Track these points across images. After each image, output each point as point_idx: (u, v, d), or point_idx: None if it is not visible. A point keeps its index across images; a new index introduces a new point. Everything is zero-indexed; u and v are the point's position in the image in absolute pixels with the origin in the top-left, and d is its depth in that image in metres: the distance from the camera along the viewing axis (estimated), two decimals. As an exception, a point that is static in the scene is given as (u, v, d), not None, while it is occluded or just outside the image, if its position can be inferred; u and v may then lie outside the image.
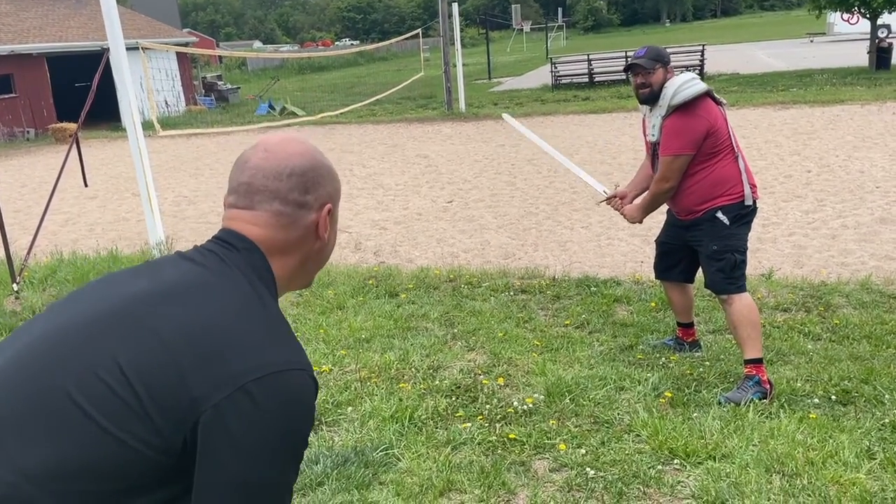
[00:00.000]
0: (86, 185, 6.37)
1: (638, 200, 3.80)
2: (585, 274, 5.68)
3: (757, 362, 3.39)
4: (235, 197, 1.14)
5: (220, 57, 49.74)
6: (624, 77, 21.30)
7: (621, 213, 3.87)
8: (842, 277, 5.31)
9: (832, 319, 4.40)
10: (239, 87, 28.33)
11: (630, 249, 6.54)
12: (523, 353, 4.00)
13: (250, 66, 46.07)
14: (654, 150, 3.63)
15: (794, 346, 4.01)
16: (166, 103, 23.57)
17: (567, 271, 5.84)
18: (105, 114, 19.11)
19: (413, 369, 3.78)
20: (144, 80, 7.38)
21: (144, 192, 6.89)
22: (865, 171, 8.68)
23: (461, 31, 24.47)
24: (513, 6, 45.67)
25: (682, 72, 3.62)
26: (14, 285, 5.55)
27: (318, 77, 41.23)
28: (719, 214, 3.43)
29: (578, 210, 8.09)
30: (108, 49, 6.83)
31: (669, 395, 3.28)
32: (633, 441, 2.92)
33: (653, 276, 5.58)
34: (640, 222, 3.84)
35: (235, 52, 27.69)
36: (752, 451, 2.77)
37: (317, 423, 3.20)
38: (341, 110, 14.98)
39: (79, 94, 15.70)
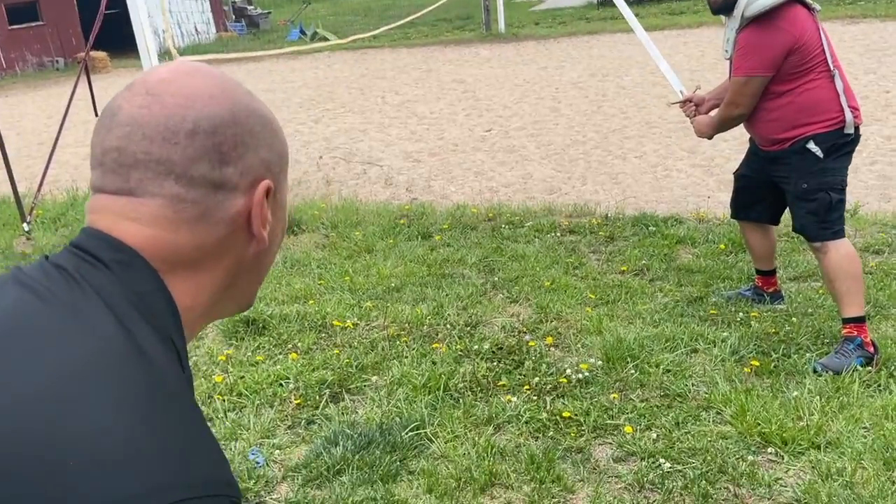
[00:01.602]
0: (96, 115, 5.93)
1: (712, 113, 3.20)
2: (641, 211, 5.09)
3: (858, 321, 2.83)
4: (101, 173, 0.64)
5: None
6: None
7: (691, 122, 3.29)
8: (940, 214, 4.64)
9: (934, 264, 3.79)
10: (270, 12, 27.42)
11: (690, 182, 5.90)
12: (574, 307, 3.50)
13: (282, -10, 44.73)
14: (730, 68, 3.03)
15: (894, 296, 3.43)
16: (196, 30, 22.92)
17: (620, 208, 5.26)
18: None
19: (448, 325, 3.32)
20: (161, 3, 6.80)
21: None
22: (954, 91, 7.76)
23: (499, -54, 23.03)
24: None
25: None
26: (24, 225, 5.21)
27: (352, 0, 39.87)
28: (811, 145, 2.81)
29: (631, 138, 7.40)
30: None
31: (756, 363, 2.76)
32: (713, 422, 2.42)
33: (719, 212, 5.01)
34: (709, 139, 3.26)
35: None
36: (864, 437, 2.26)
37: (338, 390, 2.78)
38: (372, 32, 14.19)
39: (109, 21, 15.17)
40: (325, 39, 20.90)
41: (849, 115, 2.82)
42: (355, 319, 3.45)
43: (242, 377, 2.83)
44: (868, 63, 9.63)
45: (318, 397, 2.69)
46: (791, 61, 2.77)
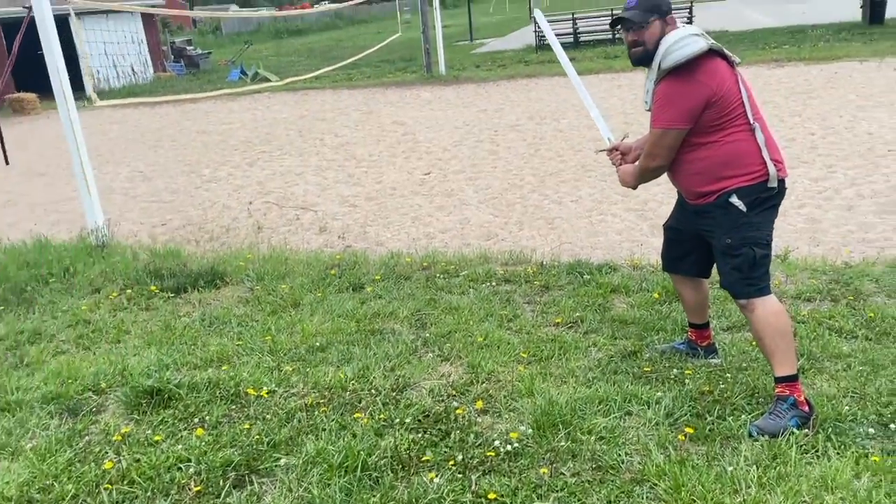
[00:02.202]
0: (6, 163, 5.59)
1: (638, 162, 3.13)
2: (577, 258, 5.01)
3: (791, 379, 2.74)
4: None
5: (193, 21, 48.06)
6: (610, 36, 20.51)
7: (616, 171, 3.19)
8: (867, 257, 4.69)
9: (865, 311, 3.78)
10: (210, 53, 27.11)
11: (625, 227, 5.87)
12: (507, 364, 3.34)
13: (224, 30, 44.54)
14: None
15: (827, 347, 3.38)
16: (133, 70, 22.44)
17: (556, 254, 5.17)
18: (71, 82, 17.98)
19: (373, 391, 3.11)
20: (79, 46, 6.51)
21: (79, 172, 6.12)
22: (874, 133, 8.02)
23: (441, -10, 23.41)
24: (494, -36, 44.20)
25: (683, 24, 2.90)
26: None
27: (295, 41, 39.90)
28: (734, 199, 2.73)
29: (567, 182, 7.39)
30: (30, 8, 6.00)
31: (690, 429, 2.63)
32: (647, 498, 2.27)
33: (653, 258, 4.96)
34: (633, 188, 3.17)
35: (201, 13, 26.49)
36: (804, 512, 2.13)
37: (245, 473, 2.53)
38: (314, 73, 14.08)
39: (40, 62, 14.60)
40: (267, 80, 20.72)
41: (772, 169, 2.75)
42: (273, 385, 3.21)
43: (137, 460, 2.55)
44: (793, 106, 9.94)
45: (221, 482, 2.44)
46: (709, 114, 2.71)
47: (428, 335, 3.78)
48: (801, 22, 20.59)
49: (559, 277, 4.59)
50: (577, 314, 3.95)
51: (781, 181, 2.78)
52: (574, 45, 20.47)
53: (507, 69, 17.35)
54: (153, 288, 4.75)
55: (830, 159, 7.21)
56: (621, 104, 11.14)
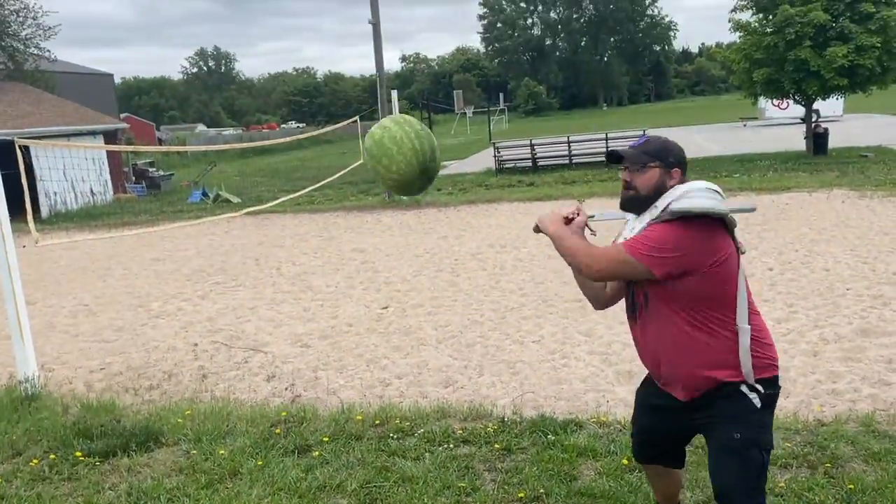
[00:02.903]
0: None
1: (576, 237, 2.52)
2: (540, 411, 4.74)
3: None
4: None
5: (159, 140, 48.76)
6: (567, 162, 21.17)
7: (556, 213, 2.60)
8: (839, 413, 4.50)
9: (844, 481, 3.54)
10: (172, 174, 27.24)
11: (590, 373, 5.65)
12: (464, 559, 2.99)
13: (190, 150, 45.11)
14: None
15: (811, 531, 3.11)
16: (92, 192, 22.30)
17: (518, 406, 4.90)
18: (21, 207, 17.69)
19: None
20: (23, 177, 6.35)
21: (14, 320, 5.75)
22: (830, 270, 8.11)
23: (405, 114, 24.23)
24: (455, 92, 46.34)
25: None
26: None
27: (261, 160, 40.62)
28: (744, 389, 2.39)
29: (528, 318, 7.22)
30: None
31: None
32: None
33: (619, 412, 4.72)
34: (538, 228, 2.60)
35: (161, 148, 26.82)
36: None
37: None
38: (274, 202, 14.06)
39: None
40: (228, 201, 20.72)
41: (747, 366, 2.38)
42: (196, 592, 2.79)
43: None
44: (750, 238, 10.09)
45: None
46: (692, 283, 2.33)
47: (378, 516, 3.42)
48: (748, 150, 21.58)
49: (522, 438, 4.29)
50: (542, 487, 3.64)
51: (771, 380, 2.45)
52: (533, 169, 21.07)
53: (468, 193, 17.64)
54: (78, 454, 4.31)
55: (791, 298, 7.19)
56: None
